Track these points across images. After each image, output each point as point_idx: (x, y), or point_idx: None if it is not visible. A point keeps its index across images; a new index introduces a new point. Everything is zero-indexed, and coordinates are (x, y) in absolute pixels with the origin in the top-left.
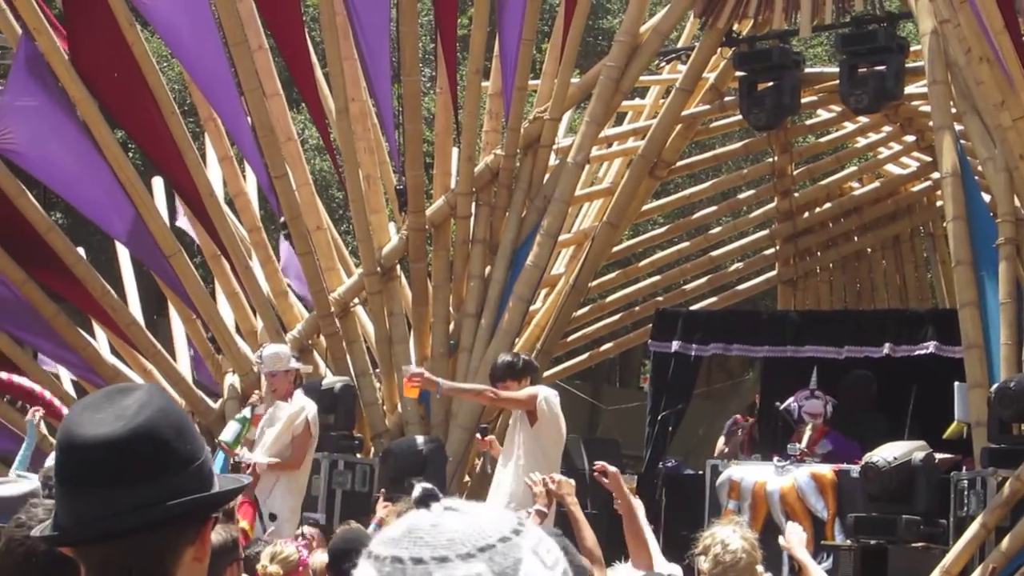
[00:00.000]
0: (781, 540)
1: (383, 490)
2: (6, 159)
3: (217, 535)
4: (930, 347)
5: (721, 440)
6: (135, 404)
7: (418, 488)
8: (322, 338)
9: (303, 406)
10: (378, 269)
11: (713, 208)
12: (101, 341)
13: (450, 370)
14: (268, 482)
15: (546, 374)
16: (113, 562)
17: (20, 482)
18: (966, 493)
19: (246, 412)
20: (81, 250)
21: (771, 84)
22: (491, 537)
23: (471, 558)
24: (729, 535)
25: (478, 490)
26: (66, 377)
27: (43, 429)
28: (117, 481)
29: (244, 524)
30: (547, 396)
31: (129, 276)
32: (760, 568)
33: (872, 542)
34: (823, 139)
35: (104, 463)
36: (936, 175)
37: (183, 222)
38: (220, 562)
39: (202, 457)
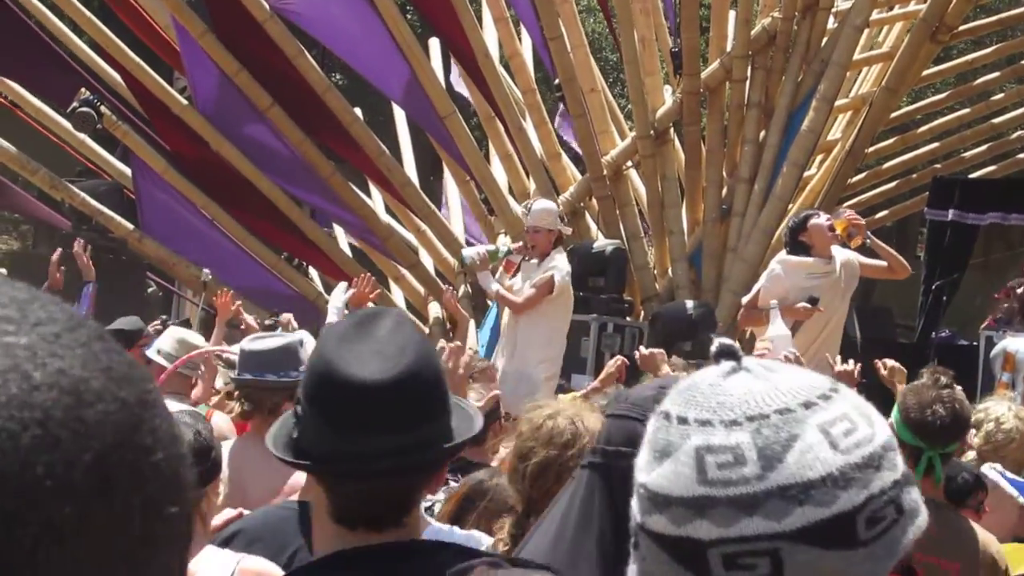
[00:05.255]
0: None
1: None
2: (286, 20)
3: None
4: None
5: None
6: (395, 343)
7: (716, 342)
8: (594, 201)
9: (556, 264)
10: (651, 132)
11: (996, 74)
12: (376, 201)
13: (722, 235)
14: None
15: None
16: (362, 496)
17: (276, 337)
18: None
19: (502, 245)
20: (358, 110)
21: None
22: (769, 406)
23: (735, 426)
24: (1004, 412)
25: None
26: (341, 236)
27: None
28: (378, 427)
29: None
30: None
31: (405, 137)
32: None
33: None
34: None
35: (368, 408)
36: None
37: (458, 83)
38: (486, 422)
39: (450, 404)
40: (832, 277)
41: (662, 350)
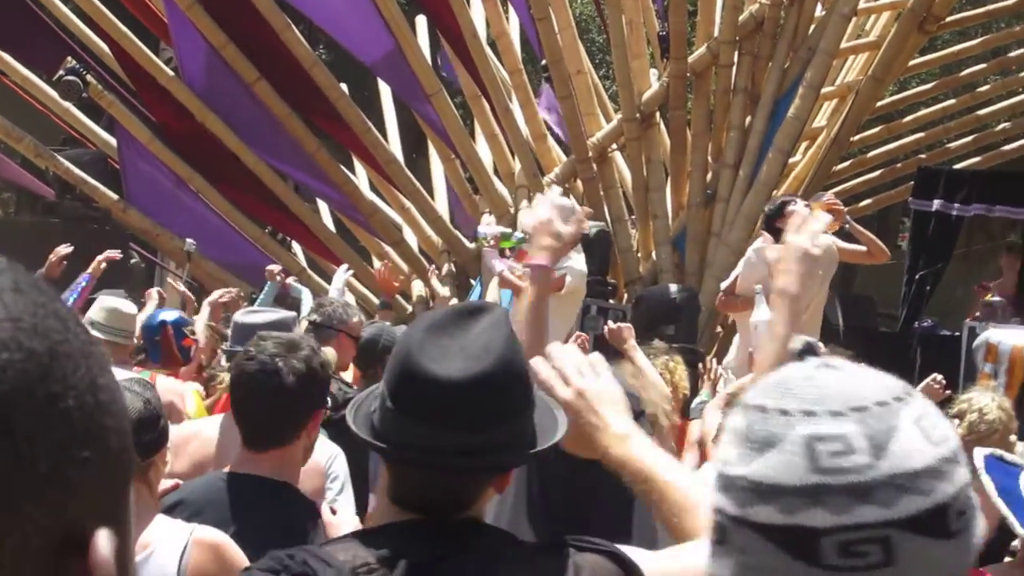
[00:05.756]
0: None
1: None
2: None
3: None
4: None
5: None
6: (481, 342)
7: (799, 340)
8: (579, 182)
9: (571, 265)
10: (637, 115)
11: (982, 66)
12: (361, 177)
13: (706, 220)
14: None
15: None
16: (423, 486)
17: (267, 312)
18: None
19: (518, 233)
20: (344, 86)
21: None
22: (867, 399)
23: (840, 416)
24: (987, 403)
25: (727, 343)
26: (325, 211)
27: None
28: (448, 424)
29: None
30: None
31: (390, 114)
32: (1013, 438)
33: None
34: None
35: (441, 405)
36: None
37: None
38: None
39: (531, 406)
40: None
41: (629, 324)
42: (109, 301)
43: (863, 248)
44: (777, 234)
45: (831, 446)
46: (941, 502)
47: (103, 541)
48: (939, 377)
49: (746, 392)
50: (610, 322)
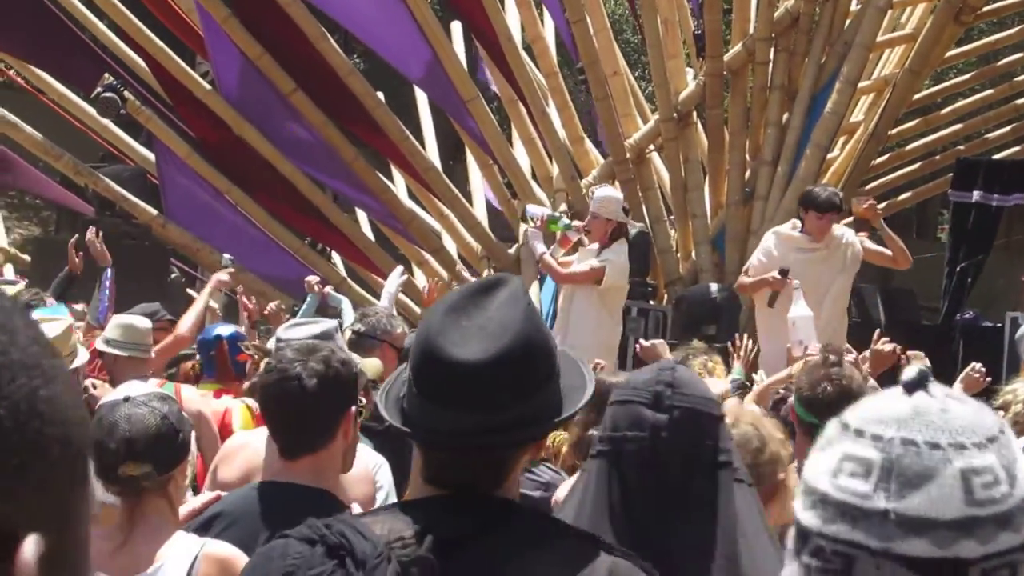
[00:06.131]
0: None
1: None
2: (308, 3)
3: None
4: None
5: None
6: (499, 319)
7: (914, 369)
8: (617, 184)
9: (612, 259)
10: (674, 115)
11: (1019, 55)
12: (399, 185)
13: (746, 218)
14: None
15: (844, 221)
16: (454, 466)
17: (309, 325)
18: None
19: (565, 219)
20: (380, 94)
21: None
22: (994, 429)
23: (984, 448)
24: None
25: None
26: (364, 220)
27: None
28: (472, 406)
29: None
30: None
31: (427, 120)
32: None
33: None
34: None
35: (463, 387)
36: None
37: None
38: None
39: (555, 375)
40: (820, 253)
41: (662, 340)
42: (124, 318)
43: (888, 252)
44: (801, 216)
45: (983, 478)
46: None
47: (29, 546)
48: (978, 365)
49: (855, 420)
50: (641, 340)
